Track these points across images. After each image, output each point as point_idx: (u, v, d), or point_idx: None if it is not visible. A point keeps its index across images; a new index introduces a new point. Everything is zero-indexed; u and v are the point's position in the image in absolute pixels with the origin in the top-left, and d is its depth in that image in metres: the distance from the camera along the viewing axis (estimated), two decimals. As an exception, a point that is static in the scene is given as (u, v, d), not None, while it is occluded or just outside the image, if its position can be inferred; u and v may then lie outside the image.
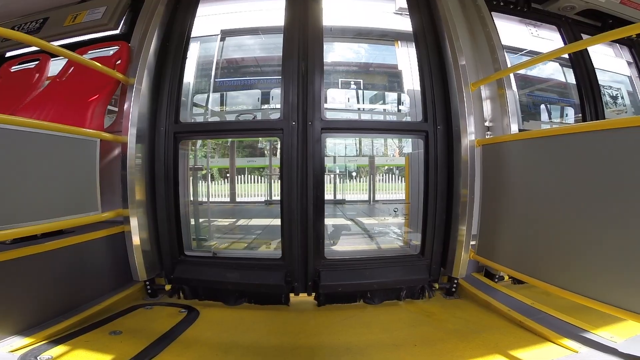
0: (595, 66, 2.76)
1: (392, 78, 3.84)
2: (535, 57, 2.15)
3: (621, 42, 3.09)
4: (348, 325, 1.75)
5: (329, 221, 5.97)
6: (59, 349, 1.41)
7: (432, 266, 2.18)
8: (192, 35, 2.39)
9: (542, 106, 3.34)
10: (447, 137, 2.19)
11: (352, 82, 3.54)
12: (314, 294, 2.08)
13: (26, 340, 1.42)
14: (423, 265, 2.17)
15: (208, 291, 2.10)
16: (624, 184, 1.35)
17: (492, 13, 2.45)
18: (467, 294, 2.07)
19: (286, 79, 2.16)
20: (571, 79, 2.94)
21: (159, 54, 2.25)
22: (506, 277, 2.21)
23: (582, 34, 2.79)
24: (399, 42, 3.35)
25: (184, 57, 2.32)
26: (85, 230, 1.90)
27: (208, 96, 3.66)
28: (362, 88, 3.72)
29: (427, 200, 2.20)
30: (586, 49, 2.75)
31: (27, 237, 1.57)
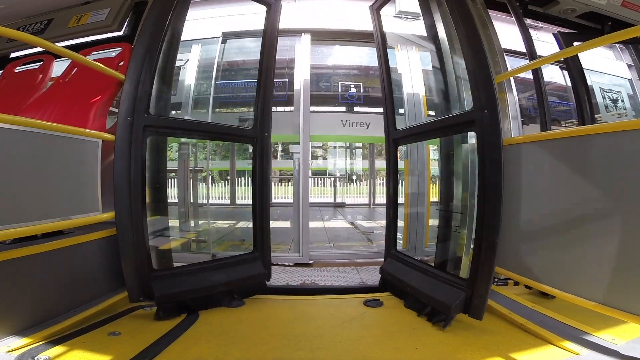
0: (585, 68, 2.77)
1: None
2: (536, 60, 2.16)
3: (621, 44, 3.11)
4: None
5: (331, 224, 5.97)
6: (57, 349, 1.41)
7: (433, 269, 2.16)
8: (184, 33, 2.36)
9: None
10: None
11: (352, 85, 3.56)
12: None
13: (24, 341, 1.42)
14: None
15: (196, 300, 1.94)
16: (628, 185, 1.35)
17: (492, 15, 2.46)
18: (468, 297, 2.06)
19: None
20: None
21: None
22: (510, 283, 2.20)
23: (582, 37, 2.80)
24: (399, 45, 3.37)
25: (162, 42, 2.02)
26: (85, 231, 1.90)
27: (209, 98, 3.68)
28: (362, 91, 3.73)
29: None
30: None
31: (27, 237, 1.57)
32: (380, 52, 2.58)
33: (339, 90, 3.53)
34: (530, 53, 2.46)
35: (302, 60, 3.32)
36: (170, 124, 2.24)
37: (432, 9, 2.46)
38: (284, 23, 2.78)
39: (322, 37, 3.47)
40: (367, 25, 2.70)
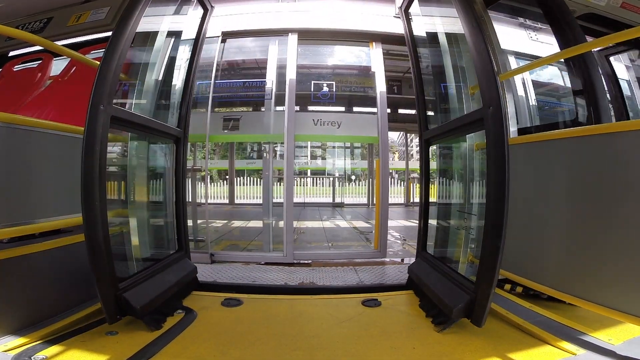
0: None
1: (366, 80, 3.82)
2: (535, 60, 2.17)
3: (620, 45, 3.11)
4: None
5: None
6: (54, 349, 1.40)
7: (431, 269, 2.16)
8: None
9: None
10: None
11: (325, 84, 3.55)
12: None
13: (20, 340, 1.41)
14: (422, 268, 2.15)
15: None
16: (621, 186, 1.36)
17: (491, 15, 2.46)
18: (466, 297, 2.06)
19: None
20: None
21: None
22: (507, 286, 2.20)
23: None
24: (374, 43, 3.42)
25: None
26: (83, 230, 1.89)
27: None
28: (334, 90, 3.71)
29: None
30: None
31: (24, 236, 1.57)
32: (411, 53, 2.55)
33: (312, 89, 3.53)
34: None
35: (273, 59, 3.39)
36: (127, 117, 1.87)
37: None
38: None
39: (309, 36, 3.50)
40: (346, 24, 2.67)
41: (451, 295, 1.72)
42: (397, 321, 1.83)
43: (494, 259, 1.47)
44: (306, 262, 3.13)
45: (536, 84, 2.99)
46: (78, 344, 1.46)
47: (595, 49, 3.00)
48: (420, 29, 2.54)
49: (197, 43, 2.51)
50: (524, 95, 2.94)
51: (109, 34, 2.68)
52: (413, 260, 2.40)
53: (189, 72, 2.48)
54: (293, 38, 3.36)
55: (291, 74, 3.24)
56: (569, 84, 2.59)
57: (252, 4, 3.48)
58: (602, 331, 1.52)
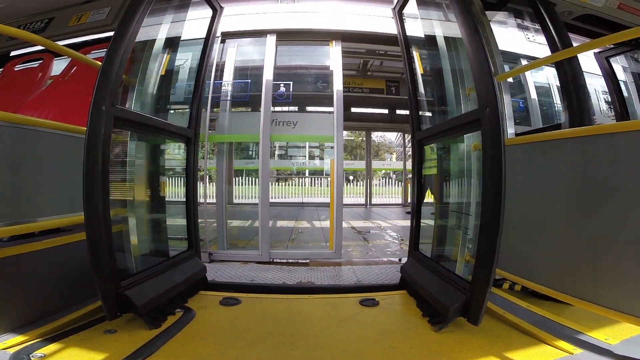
0: (583, 70, 2.79)
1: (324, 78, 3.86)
2: (532, 62, 2.18)
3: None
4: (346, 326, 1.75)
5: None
6: (53, 347, 1.41)
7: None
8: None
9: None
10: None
11: (282, 84, 3.59)
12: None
13: (19, 338, 1.42)
14: (420, 268, 2.15)
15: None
16: (618, 187, 1.37)
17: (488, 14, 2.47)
18: (464, 297, 2.07)
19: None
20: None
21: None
22: (506, 285, 2.21)
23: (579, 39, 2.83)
24: (334, 41, 3.46)
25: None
26: (83, 229, 1.89)
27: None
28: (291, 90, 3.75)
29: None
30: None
31: (24, 234, 1.57)
32: (404, 54, 2.55)
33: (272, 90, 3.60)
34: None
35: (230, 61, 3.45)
36: (132, 117, 1.93)
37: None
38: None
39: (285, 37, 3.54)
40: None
41: (447, 295, 1.73)
42: (394, 321, 1.83)
43: (490, 257, 1.48)
44: (304, 261, 3.15)
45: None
46: (76, 342, 1.47)
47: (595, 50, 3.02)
48: (416, 30, 2.55)
49: (207, 43, 2.50)
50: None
51: (110, 34, 2.70)
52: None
53: (198, 72, 2.47)
54: (271, 39, 3.42)
55: (268, 75, 3.31)
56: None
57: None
58: (599, 330, 1.53)
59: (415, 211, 2.41)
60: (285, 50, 3.77)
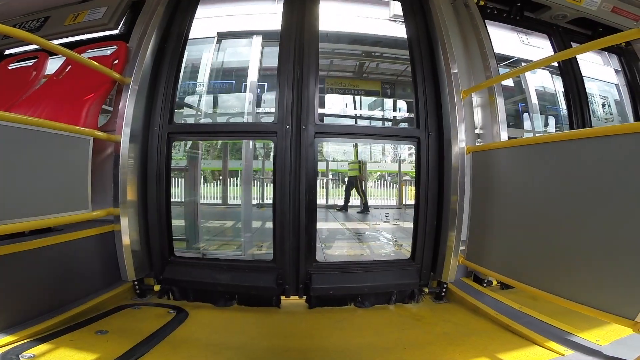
0: (583, 74, 2.83)
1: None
2: (526, 65, 2.20)
3: (610, 50, 3.18)
4: (339, 328, 1.75)
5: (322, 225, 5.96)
6: (43, 347, 1.39)
7: (422, 271, 2.19)
8: (189, 37, 2.42)
9: (525, 114, 3.44)
10: (439, 144, 2.21)
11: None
12: (305, 297, 2.08)
13: (8, 339, 1.40)
14: (413, 270, 2.18)
15: (198, 292, 2.08)
16: (610, 189, 1.38)
17: (485, 21, 2.50)
18: (456, 298, 2.08)
19: (281, 83, 2.19)
20: (560, 87, 3.01)
21: (157, 55, 2.27)
22: (495, 282, 2.22)
23: (572, 42, 2.87)
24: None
25: (181, 59, 2.34)
26: (74, 229, 1.88)
27: (200, 98, 3.70)
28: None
29: (419, 205, 2.21)
30: (575, 58, 2.82)
31: (14, 234, 1.55)
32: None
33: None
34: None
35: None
36: (190, 129, 2.55)
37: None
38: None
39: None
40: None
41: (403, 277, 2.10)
42: (388, 322, 1.84)
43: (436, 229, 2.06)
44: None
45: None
46: (67, 342, 1.45)
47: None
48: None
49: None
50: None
51: (106, 33, 2.70)
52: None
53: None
54: (257, 40, 3.47)
55: (253, 76, 3.43)
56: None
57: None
58: (590, 332, 1.54)
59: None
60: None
